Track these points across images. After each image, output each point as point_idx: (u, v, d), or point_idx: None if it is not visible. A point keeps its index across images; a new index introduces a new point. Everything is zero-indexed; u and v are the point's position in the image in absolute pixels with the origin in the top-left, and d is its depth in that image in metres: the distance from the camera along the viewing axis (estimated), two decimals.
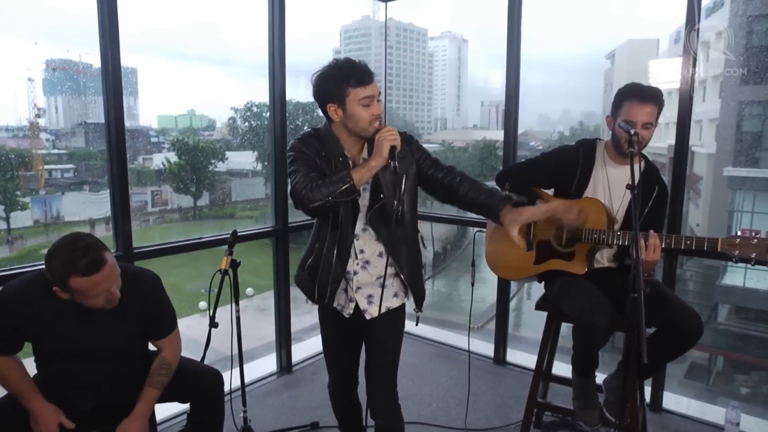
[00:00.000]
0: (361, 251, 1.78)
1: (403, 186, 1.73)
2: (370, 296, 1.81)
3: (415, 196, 1.81)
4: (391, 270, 1.78)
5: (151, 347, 1.91)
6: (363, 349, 1.96)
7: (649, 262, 1.82)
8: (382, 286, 1.78)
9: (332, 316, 1.87)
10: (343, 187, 1.57)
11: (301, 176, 1.63)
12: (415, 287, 1.84)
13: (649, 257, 1.80)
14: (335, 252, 1.75)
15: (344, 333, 1.90)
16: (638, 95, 1.93)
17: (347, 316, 1.83)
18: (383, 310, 1.80)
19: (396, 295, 1.84)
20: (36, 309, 1.63)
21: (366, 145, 1.74)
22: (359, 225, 1.76)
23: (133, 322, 1.74)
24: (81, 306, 1.61)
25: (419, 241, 1.87)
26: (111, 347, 1.73)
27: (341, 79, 1.60)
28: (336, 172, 1.64)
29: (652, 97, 1.93)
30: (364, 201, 1.73)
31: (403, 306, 1.89)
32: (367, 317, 1.82)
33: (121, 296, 1.65)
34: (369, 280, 1.80)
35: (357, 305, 1.82)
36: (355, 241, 1.76)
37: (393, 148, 1.59)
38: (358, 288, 1.80)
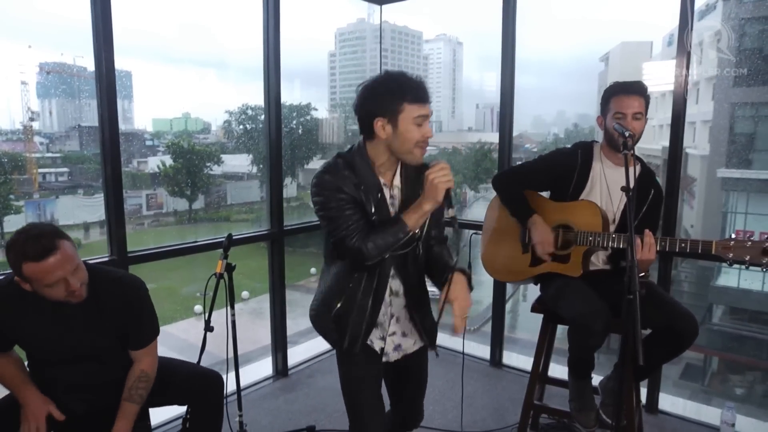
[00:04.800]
0: (396, 292, 1.69)
1: (426, 222, 1.60)
2: (404, 333, 1.74)
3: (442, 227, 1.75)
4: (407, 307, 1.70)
5: None
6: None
7: (644, 261, 1.83)
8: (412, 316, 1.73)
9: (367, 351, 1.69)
10: (404, 239, 1.49)
11: (352, 226, 1.49)
12: (428, 326, 1.77)
13: (644, 256, 1.81)
14: (371, 300, 1.61)
15: (379, 369, 1.74)
16: (624, 89, 2.01)
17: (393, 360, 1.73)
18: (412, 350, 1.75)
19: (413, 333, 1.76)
20: (14, 308, 1.63)
21: (399, 169, 1.61)
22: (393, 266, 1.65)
23: (110, 326, 1.72)
24: (56, 304, 1.60)
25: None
26: (89, 348, 1.72)
27: (398, 92, 1.46)
28: (388, 222, 1.51)
29: (637, 89, 2.00)
30: None
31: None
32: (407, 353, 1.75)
33: (100, 298, 1.65)
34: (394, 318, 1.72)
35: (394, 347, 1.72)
36: (390, 280, 1.66)
37: (448, 192, 1.45)
38: (393, 333, 1.71)
